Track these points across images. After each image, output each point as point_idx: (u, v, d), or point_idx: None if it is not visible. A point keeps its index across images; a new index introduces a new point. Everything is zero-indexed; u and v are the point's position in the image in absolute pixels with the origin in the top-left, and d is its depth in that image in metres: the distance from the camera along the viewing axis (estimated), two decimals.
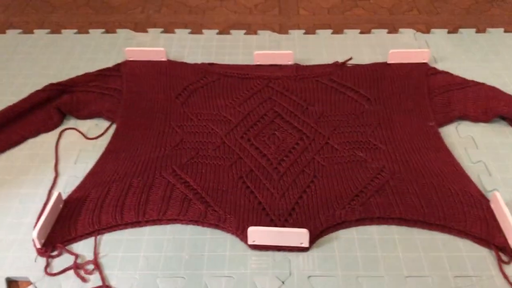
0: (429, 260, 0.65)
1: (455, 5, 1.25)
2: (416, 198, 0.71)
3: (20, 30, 1.15)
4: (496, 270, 0.64)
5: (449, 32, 1.13)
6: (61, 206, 0.71)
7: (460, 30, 1.13)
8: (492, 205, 0.70)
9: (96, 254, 0.67)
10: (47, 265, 0.65)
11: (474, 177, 0.76)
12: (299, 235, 0.65)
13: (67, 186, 0.77)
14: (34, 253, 0.67)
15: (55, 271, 0.65)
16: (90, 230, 0.69)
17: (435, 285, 0.63)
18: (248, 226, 0.66)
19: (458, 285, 0.62)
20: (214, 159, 0.80)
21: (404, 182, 0.74)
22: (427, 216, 0.69)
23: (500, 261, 0.64)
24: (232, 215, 0.70)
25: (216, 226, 0.70)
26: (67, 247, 0.67)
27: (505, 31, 1.13)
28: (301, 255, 0.66)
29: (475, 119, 0.87)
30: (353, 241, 0.68)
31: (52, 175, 0.79)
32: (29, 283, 0.64)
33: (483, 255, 0.66)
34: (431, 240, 0.68)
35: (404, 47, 1.06)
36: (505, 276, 0.63)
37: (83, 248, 0.68)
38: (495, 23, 1.17)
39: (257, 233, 0.66)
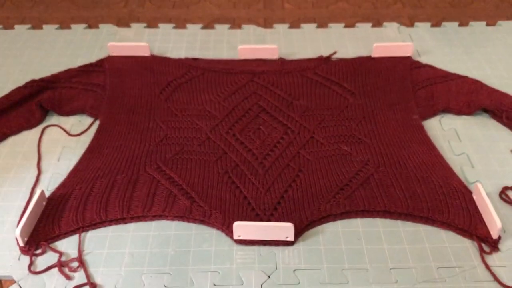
0: (413, 252, 0.66)
1: None
2: (400, 190, 0.72)
3: (0, 26, 1.13)
4: (479, 260, 0.65)
5: (432, 26, 1.14)
6: (44, 203, 0.70)
7: (443, 23, 1.14)
8: (475, 197, 0.71)
9: (80, 251, 0.66)
10: (31, 263, 0.64)
11: (457, 169, 0.77)
12: (284, 229, 0.65)
13: (50, 183, 0.76)
14: (18, 252, 0.66)
15: (39, 269, 0.64)
16: (74, 227, 0.68)
17: (419, 276, 0.63)
18: (233, 221, 0.66)
19: (442, 276, 0.63)
20: (199, 155, 0.79)
21: (388, 175, 0.75)
22: (411, 208, 0.70)
23: (482, 252, 0.65)
24: (217, 210, 0.70)
25: (201, 221, 0.70)
26: (51, 245, 0.67)
27: (488, 25, 1.14)
28: (287, 249, 0.67)
29: (458, 112, 0.88)
30: (338, 234, 0.68)
31: (34, 172, 0.78)
32: (13, 281, 0.63)
33: (465, 246, 0.67)
34: (415, 232, 0.69)
35: (388, 41, 1.07)
36: (487, 266, 0.64)
37: (67, 245, 0.67)
38: (477, 16, 1.18)
39: (243, 228, 0.66)
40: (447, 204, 0.70)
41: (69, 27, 1.13)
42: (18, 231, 0.64)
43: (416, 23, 1.14)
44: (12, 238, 0.67)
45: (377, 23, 1.16)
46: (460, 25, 1.14)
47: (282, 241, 0.66)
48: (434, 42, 1.07)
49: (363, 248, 0.67)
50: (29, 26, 1.13)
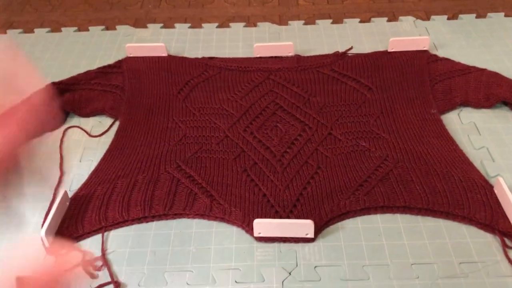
0: (434, 247, 0.66)
1: None
2: (420, 186, 0.72)
3: (20, 30, 1.15)
4: (501, 255, 0.64)
5: (449, 18, 1.12)
6: (67, 204, 0.72)
7: (460, 15, 1.13)
8: (496, 191, 0.70)
9: (103, 250, 0.67)
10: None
11: (477, 163, 0.76)
12: (304, 226, 0.66)
13: (72, 184, 0.77)
14: (43, 251, 0.67)
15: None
16: (97, 227, 0.70)
17: (440, 271, 0.63)
18: (253, 219, 0.67)
19: (464, 271, 0.63)
20: (218, 153, 0.80)
21: (408, 170, 0.74)
22: (431, 203, 0.69)
23: (504, 246, 0.65)
24: (237, 208, 0.70)
25: (221, 219, 0.71)
26: (75, 245, 0.68)
27: (506, 16, 1.12)
28: (307, 245, 0.67)
29: (477, 105, 0.87)
30: (358, 231, 0.68)
31: (57, 173, 0.79)
32: None
33: (487, 241, 0.66)
34: (436, 227, 0.68)
35: (404, 35, 1.06)
36: (510, 261, 0.63)
37: (91, 245, 0.68)
38: (495, 7, 1.17)
39: (263, 225, 0.66)
40: (467, 199, 0.69)
41: (87, 29, 1.14)
42: (43, 231, 0.65)
43: (433, 16, 1.13)
44: (38, 238, 0.69)
45: (393, 17, 1.15)
46: (478, 17, 1.12)
47: (302, 238, 0.67)
48: (451, 35, 1.06)
49: (383, 244, 0.67)
50: (48, 29, 1.15)
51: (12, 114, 0.83)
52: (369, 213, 0.70)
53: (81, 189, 0.75)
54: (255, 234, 0.67)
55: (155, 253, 0.67)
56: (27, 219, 0.72)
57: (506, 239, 0.66)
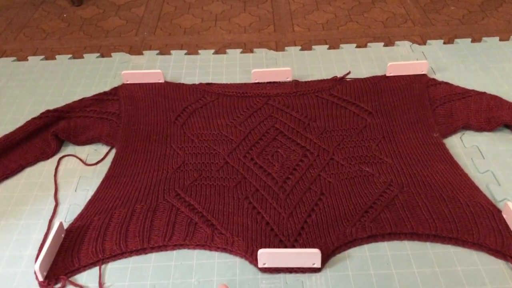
0: (445, 275, 0.64)
1: (449, 15, 1.26)
2: (427, 211, 0.70)
3: (14, 58, 1.13)
4: None
5: (445, 43, 1.13)
6: (63, 236, 0.69)
7: (456, 40, 1.13)
8: (505, 215, 0.69)
9: (101, 284, 0.64)
10: None
11: (483, 188, 0.75)
12: (310, 256, 0.63)
13: (68, 214, 0.74)
14: (37, 287, 0.64)
15: None
16: (94, 260, 0.67)
17: None
18: (257, 248, 0.65)
19: None
20: (218, 180, 0.78)
21: (413, 195, 0.73)
22: (439, 229, 0.67)
23: None
24: (239, 237, 0.68)
25: (224, 249, 0.68)
26: (70, 279, 0.65)
27: (501, 40, 1.13)
28: (314, 276, 0.64)
29: (479, 128, 0.86)
30: (366, 259, 0.66)
31: (52, 204, 0.76)
32: None
33: (500, 268, 0.64)
34: (445, 254, 0.66)
35: (401, 59, 1.06)
36: None
37: (88, 278, 0.65)
38: (489, 32, 1.18)
39: (267, 256, 0.64)
40: (476, 224, 0.68)
41: (82, 57, 1.13)
42: (37, 265, 0.62)
43: (429, 41, 1.13)
44: (31, 272, 0.66)
45: (389, 42, 1.15)
46: (473, 41, 1.13)
47: (309, 268, 0.64)
48: (448, 59, 1.06)
49: (392, 273, 0.64)
50: (42, 57, 1.13)
51: (7, 142, 0.81)
52: (376, 241, 0.68)
53: (77, 220, 0.72)
54: (260, 265, 0.64)
55: (155, 286, 0.64)
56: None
57: None
